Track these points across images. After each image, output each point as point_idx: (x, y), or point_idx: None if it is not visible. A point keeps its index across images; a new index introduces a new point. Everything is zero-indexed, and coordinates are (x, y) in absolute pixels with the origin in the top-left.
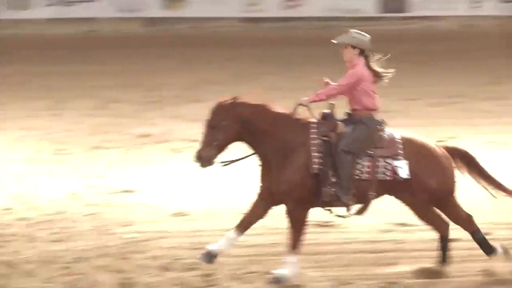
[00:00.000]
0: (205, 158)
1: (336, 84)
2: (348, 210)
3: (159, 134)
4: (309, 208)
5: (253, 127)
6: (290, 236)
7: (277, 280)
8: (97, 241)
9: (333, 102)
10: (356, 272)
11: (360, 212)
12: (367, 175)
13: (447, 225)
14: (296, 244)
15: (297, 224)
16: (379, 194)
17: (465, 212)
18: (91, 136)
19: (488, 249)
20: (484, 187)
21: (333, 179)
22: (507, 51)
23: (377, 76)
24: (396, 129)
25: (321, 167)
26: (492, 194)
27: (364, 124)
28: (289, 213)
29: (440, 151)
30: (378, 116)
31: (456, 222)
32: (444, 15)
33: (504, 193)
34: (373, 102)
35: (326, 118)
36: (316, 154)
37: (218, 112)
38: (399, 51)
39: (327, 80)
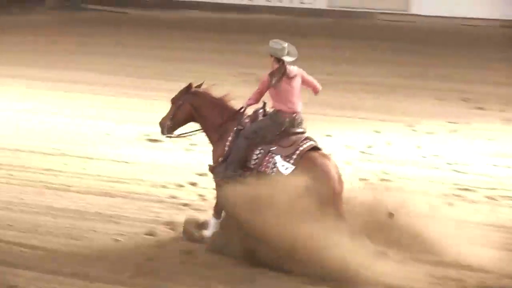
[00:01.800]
0: (162, 126)
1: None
2: None
3: None
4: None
5: (199, 112)
6: (215, 204)
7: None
8: None
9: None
10: None
11: None
12: (254, 166)
13: None
14: (217, 210)
15: (219, 197)
16: None
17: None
18: None
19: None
20: None
21: (222, 158)
22: None
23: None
24: (318, 142)
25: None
26: None
27: (267, 118)
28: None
29: (326, 178)
30: (297, 118)
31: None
32: None
33: None
34: (281, 104)
35: (255, 112)
36: (230, 139)
37: (180, 93)
38: None
39: None
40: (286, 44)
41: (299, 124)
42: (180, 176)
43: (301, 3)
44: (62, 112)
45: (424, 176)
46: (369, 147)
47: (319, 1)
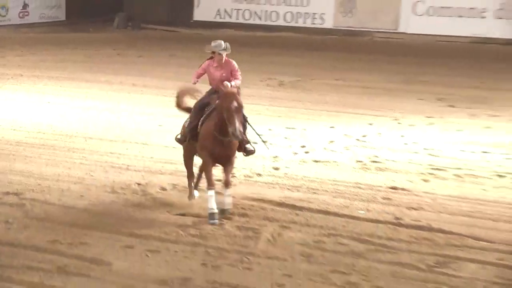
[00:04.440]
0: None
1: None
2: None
3: None
4: (210, 156)
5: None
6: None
7: (212, 216)
8: None
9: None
10: None
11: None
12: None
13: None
14: (208, 182)
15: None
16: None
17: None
18: None
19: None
20: None
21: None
22: None
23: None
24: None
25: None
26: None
27: (207, 94)
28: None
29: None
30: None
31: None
32: None
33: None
34: (213, 83)
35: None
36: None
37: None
38: None
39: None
40: (222, 42)
41: None
42: None
43: (313, 24)
44: (125, 109)
45: (406, 159)
46: (364, 136)
47: (327, 21)
